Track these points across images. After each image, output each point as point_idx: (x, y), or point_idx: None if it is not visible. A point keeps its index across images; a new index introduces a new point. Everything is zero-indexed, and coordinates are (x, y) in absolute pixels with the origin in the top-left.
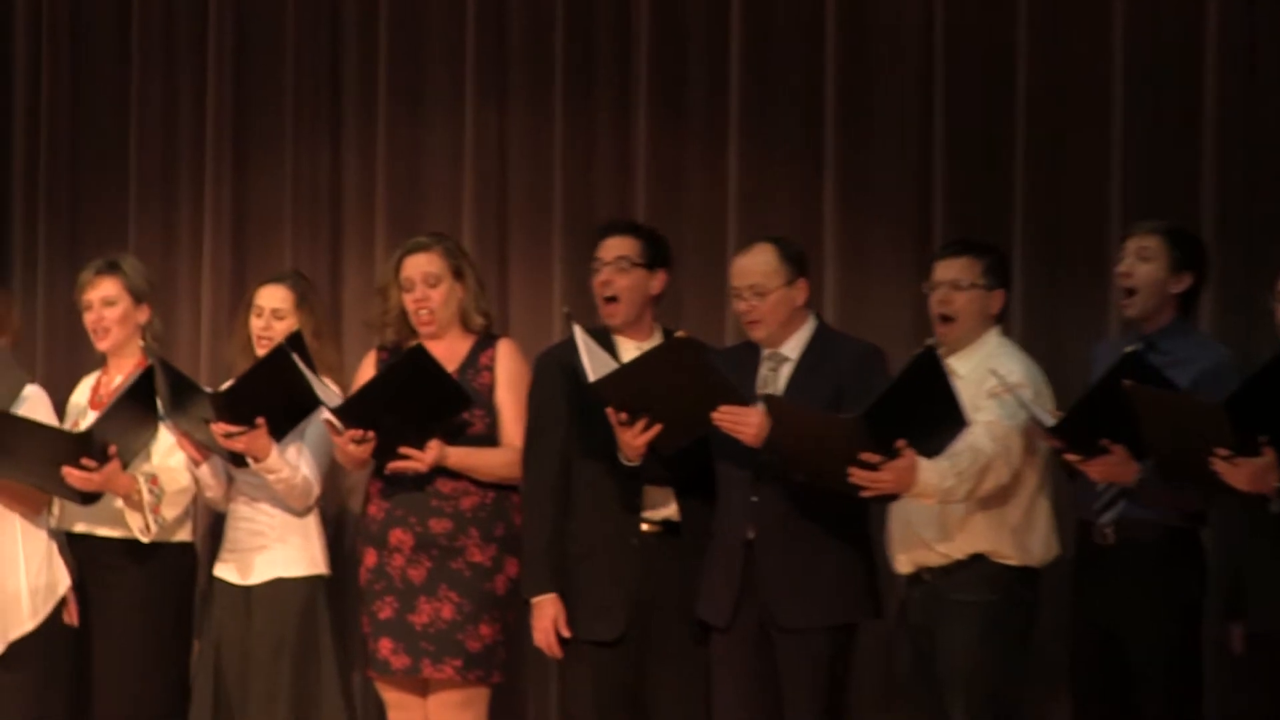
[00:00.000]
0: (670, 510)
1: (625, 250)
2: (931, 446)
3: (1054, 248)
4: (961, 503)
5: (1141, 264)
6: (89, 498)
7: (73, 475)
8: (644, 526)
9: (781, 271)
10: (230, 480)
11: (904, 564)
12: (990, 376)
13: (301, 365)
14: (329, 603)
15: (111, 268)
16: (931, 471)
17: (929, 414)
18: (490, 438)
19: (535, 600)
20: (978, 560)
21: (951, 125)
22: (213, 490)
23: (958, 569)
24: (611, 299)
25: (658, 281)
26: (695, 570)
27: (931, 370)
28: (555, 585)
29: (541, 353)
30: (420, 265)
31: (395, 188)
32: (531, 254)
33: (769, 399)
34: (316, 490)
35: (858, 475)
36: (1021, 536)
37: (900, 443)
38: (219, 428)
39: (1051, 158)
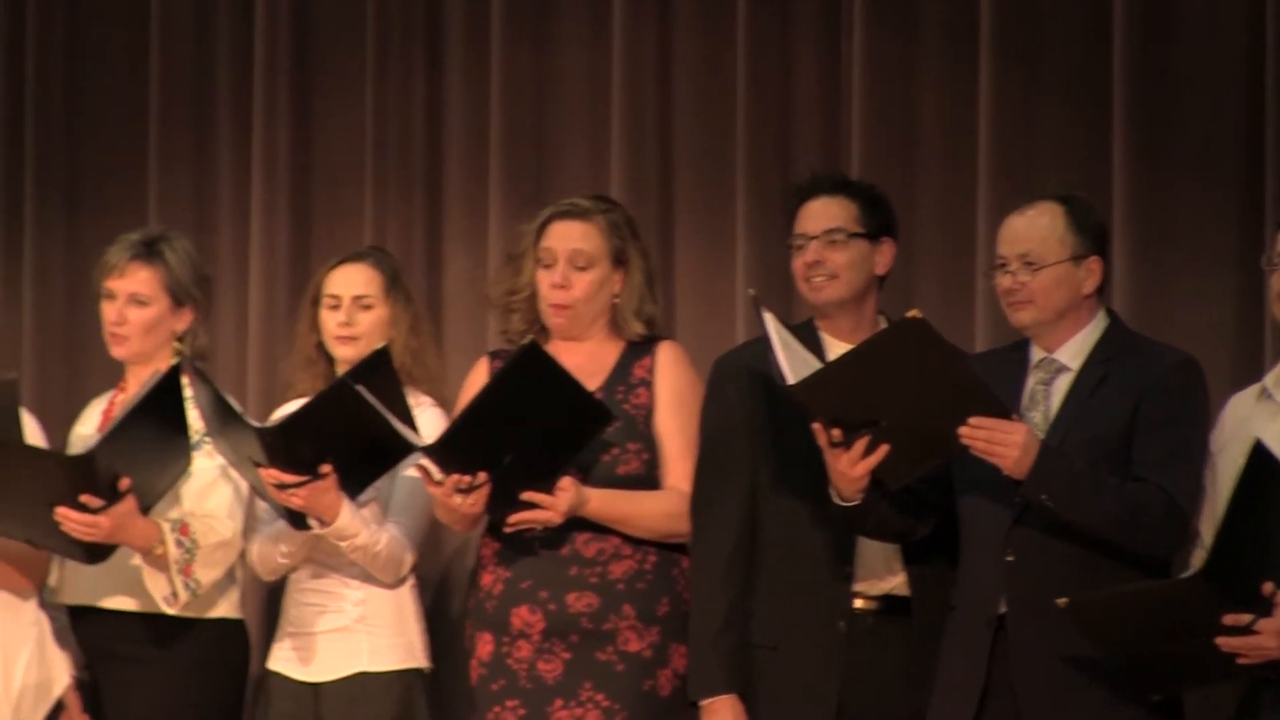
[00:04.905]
0: (897, 580)
1: (837, 218)
2: None
3: None
4: None
5: None
6: (96, 554)
7: (70, 518)
8: (857, 604)
9: (1068, 242)
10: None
11: None
12: None
13: (377, 404)
14: (430, 708)
15: (150, 252)
16: None
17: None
18: (649, 479)
19: (705, 704)
20: None
21: None
22: (288, 560)
23: None
24: (827, 277)
25: (883, 256)
26: (932, 668)
27: (1271, 468)
28: (733, 684)
29: (720, 358)
30: (570, 237)
31: (515, 134)
32: (705, 223)
33: (1068, 604)
34: (410, 557)
35: (1228, 645)
36: None
37: (1268, 587)
38: (270, 474)
39: None
